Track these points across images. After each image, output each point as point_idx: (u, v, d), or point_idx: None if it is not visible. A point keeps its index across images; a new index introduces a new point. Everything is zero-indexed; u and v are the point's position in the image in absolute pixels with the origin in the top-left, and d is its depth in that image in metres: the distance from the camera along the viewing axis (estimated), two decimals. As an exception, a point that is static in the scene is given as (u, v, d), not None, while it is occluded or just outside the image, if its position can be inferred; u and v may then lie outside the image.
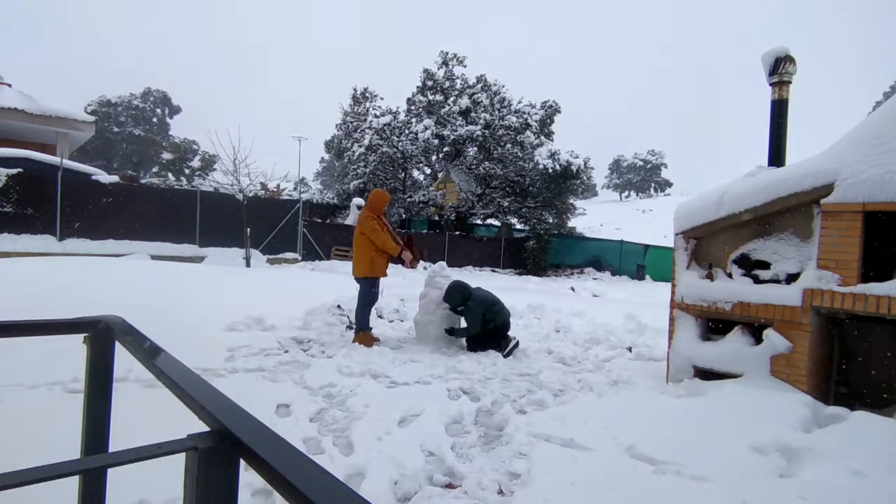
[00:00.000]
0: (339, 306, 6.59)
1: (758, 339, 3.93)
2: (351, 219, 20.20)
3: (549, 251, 21.88)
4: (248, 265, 12.62)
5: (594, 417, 3.38)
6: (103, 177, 14.30)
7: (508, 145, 23.27)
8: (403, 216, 23.94)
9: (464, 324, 5.81)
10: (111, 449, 1.29)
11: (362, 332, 5.50)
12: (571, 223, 27.27)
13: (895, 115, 3.44)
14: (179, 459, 0.75)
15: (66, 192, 12.62)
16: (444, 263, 6.44)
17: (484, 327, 5.47)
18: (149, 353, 1.09)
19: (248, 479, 2.29)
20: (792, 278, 3.85)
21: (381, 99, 26.67)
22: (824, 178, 3.59)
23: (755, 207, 4.00)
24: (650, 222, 46.15)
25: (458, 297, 5.60)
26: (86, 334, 1.28)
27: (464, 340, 5.71)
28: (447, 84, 25.21)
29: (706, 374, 4.14)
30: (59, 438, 1.65)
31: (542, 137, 23.89)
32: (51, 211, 12.43)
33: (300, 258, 16.59)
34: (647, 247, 22.76)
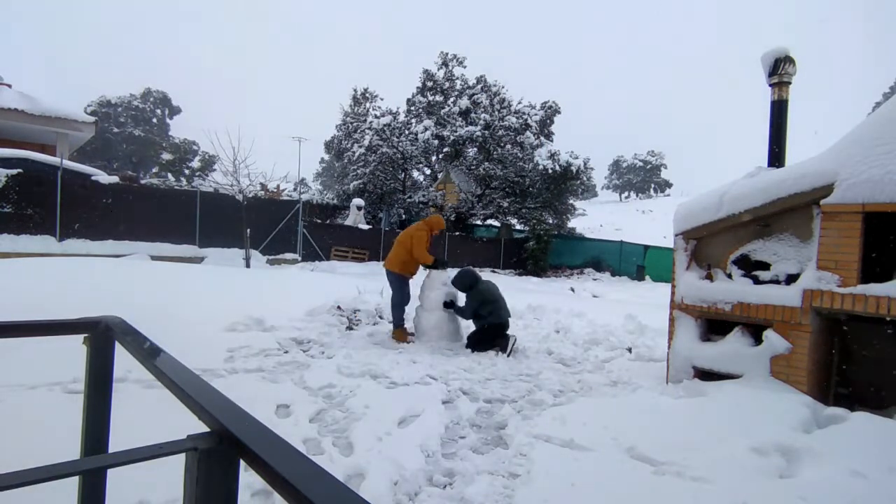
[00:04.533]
0: (338, 307, 6.59)
1: (758, 340, 3.93)
2: (350, 219, 20.16)
3: (549, 252, 21.87)
4: (247, 266, 12.60)
5: (594, 418, 3.38)
6: (103, 177, 14.29)
7: (508, 146, 23.28)
8: (403, 217, 23.93)
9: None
10: (111, 449, 1.29)
11: (398, 329, 5.91)
12: (571, 224, 27.28)
13: (894, 116, 3.44)
14: (179, 460, 0.76)
15: (66, 193, 12.60)
16: (443, 264, 6.46)
17: (475, 320, 5.71)
18: (149, 354, 1.09)
19: (248, 480, 2.29)
20: (792, 279, 3.85)
21: (381, 99, 26.76)
22: (824, 178, 3.59)
23: (755, 208, 4.01)
24: (650, 223, 46.14)
25: (461, 284, 5.96)
26: (86, 335, 1.28)
27: (465, 339, 5.79)
28: (447, 85, 25.24)
29: (706, 375, 4.14)
30: (59, 438, 1.65)
31: (542, 138, 23.91)
32: (50, 211, 12.40)
33: (300, 259, 16.57)
34: (646, 247, 22.72)
